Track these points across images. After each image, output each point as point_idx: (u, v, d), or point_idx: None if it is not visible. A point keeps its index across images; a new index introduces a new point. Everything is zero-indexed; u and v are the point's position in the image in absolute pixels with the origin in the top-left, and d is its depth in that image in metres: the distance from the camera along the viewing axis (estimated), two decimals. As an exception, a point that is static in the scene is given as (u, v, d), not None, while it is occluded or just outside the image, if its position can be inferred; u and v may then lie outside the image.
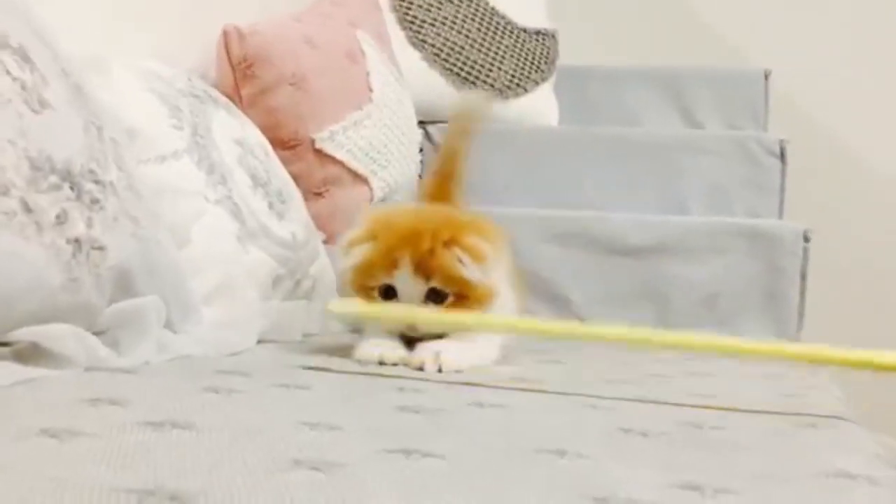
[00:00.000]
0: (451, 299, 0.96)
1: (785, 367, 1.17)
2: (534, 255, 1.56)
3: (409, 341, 0.97)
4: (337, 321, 1.17)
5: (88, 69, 1.01)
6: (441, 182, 1.22)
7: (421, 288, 0.96)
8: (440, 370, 0.91)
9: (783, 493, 0.50)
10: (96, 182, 0.84)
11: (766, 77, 2.09)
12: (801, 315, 1.49)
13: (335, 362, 0.91)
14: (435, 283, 0.96)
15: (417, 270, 0.96)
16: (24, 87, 0.81)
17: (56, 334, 0.75)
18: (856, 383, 1.37)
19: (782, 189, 1.78)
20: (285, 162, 1.38)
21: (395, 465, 0.50)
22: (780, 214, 1.76)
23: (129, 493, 0.41)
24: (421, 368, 0.91)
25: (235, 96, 1.40)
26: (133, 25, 1.35)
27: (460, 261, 0.96)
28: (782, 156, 1.79)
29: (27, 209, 0.75)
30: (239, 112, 1.32)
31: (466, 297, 0.97)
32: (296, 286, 1.23)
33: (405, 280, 0.96)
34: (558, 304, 1.54)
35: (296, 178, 1.40)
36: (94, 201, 0.83)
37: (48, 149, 0.80)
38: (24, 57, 0.84)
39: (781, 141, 1.78)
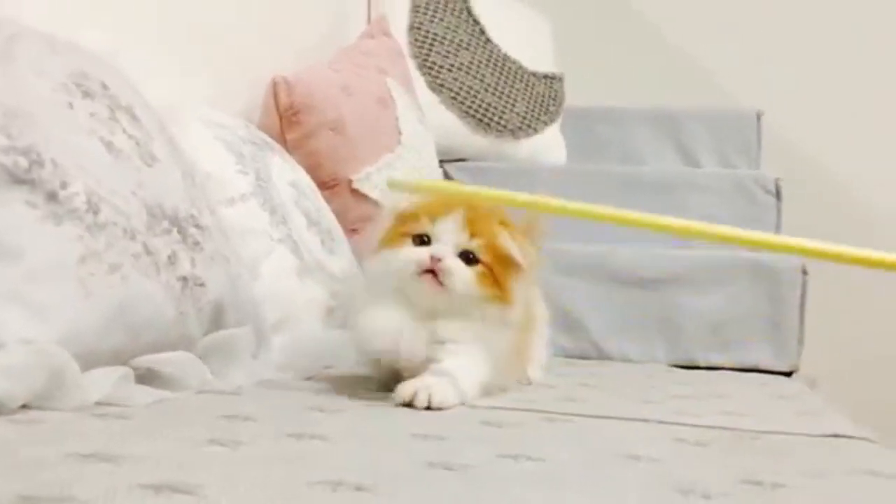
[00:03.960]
0: (480, 267, 0.90)
1: (793, 391, 1.29)
2: (552, 285, 1.66)
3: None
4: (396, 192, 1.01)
5: (164, 119, 1.12)
6: None
7: (461, 240, 0.90)
8: (429, 407, 0.84)
9: (831, 486, 0.61)
10: (196, 226, 0.95)
11: (759, 117, 2.24)
12: (800, 343, 1.61)
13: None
14: (476, 243, 0.90)
15: (466, 224, 0.90)
16: (137, 144, 0.92)
17: (176, 361, 0.85)
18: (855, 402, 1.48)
19: (778, 225, 1.91)
20: (325, 201, 1.50)
21: (511, 466, 0.61)
22: (777, 248, 1.89)
23: (322, 484, 0.52)
24: (408, 404, 0.84)
25: (281, 140, 1.51)
26: (184, 73, 1.45)
27: (509, 238, 0.91)
28: (777, 193, 1.92)
29: (148, 252, 0.86)
30: (288, 156, 1.43)
31: (496, 272, 0.91)
32: (345, 317, 1.34)
33: (449, 229, 0.90)
34: (576, 332, 1.66)
35: (335, 215, 1.51)
36: (196, 243, 0.94)
37: (159, 197, 0.91)
38: (133, 115, 0.95)
39: (777, 179, 1.92)
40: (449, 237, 0.91)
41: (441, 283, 0.89)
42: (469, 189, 0.95)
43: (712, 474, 0.62)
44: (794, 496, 0.58)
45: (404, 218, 0.94)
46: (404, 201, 0.94)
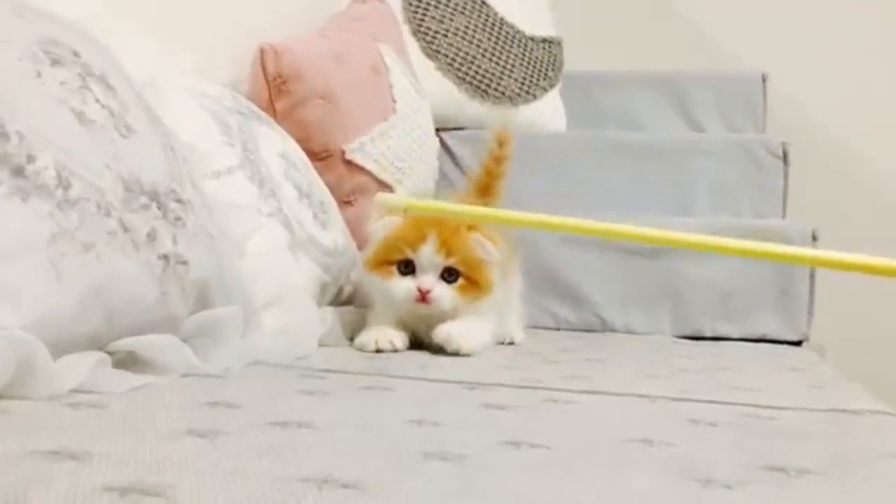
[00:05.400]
0: (461, 281, 1.11)
1: (804, 362, 1.25)
2: (555, 257, 1.62)
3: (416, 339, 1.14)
4: (386, 213, 1.18)
5: (145, 90, 1.06)
6: (486, 181, 1.34)
7: (440, 263, 1.10)
8: (458, 353, 1.07)
9: (858, 473, 0.57)
10: (178, 201, 0.90)
11: (764, 80, 2.17)
12: (810, 312, 1.56)
13: (398, 366, 0.97)
14: (453, 262, 1.10)
15: (441, 247, 1.09)
16: (112, 114, 0.87)
17: (158, 344, 0.80)
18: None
19: (785, 190, 1.86)
20: (318, 173, 1.44)
21: (513, 455, 0.56)
22: (784, 215, 1.84)
23: (306, 481, 0.47)
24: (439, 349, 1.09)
25: (269, 110, 1.45)
26: (165, 43, 1.40)
27: (480, 245, 1.11)
28: (785, 158, 1.86)
29: (125, 228, 0.81)
30: (277, 126, 1.38)
31: (475, 281, 1.11)
32: (339, 292, 1.29)
33: (427, 255, 1.10)
34: (580, 304, 1.61)
35: (328, 187, 1.45)
36: (178, 219, 0.89)
37: (136, 171, 0.86)
38: (107, 85, 0.89)
39: (784, 143, 1.86)
40: (430, 262, 1.10)
41: (430, 303, 1.10)
42: (454, 207, 1.03)
43: (731, 460, 0.57)
44: (821, 484, 0.53)
45: (389, 246, 1.12)
46: (385, 227, 1.13)
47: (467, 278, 1.11)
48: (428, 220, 1.10)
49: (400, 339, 1.11)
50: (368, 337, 1.11)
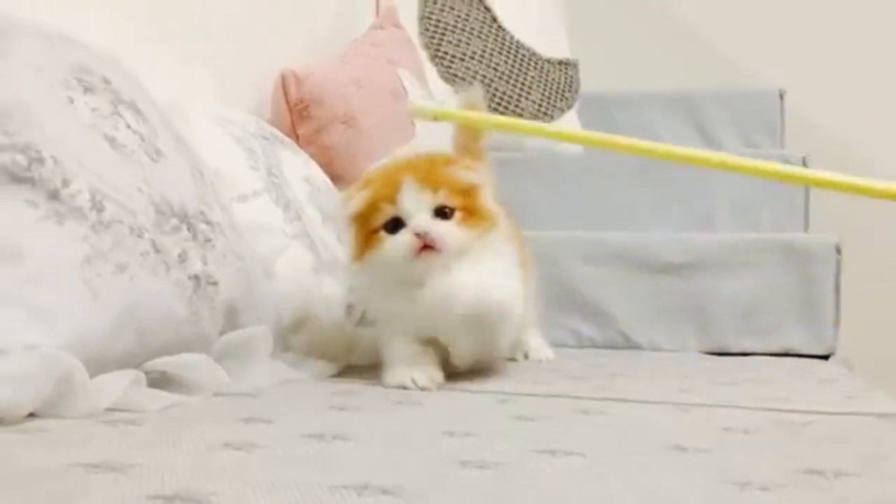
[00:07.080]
0: (458, 215, 0.92)
1: (834, 374, 1.24)
2: (576, 274, 1.62)
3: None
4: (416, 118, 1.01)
5: (170, 115, 1.08)
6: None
7: (429, 202, 0.91)
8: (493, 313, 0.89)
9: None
10: (207, 223, 0.92)
11: (782, 96, 2.18)
12: (836, 324, 1.55)
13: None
14: (443, 197, 0.91)
15: (424, 183, 0.91)
16: (142, 139, 0.88)
17: (191, 363, 0.81)
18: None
19: (807, 204, 1.86)
20: (341, 196, 1.46)
21: (548, 462, 0.57)
22: (807, 229, 1.84)
23: (346, 488, 0.48)
24: None
25: (292, 135, 1.47)
26: (188, 70, 1.42)
27: (463, 170, 0.94)
28: (805, 172, 1.86)
29: (156, 250, 0.82)
30: (300, 151, 1.39)
31: (473, 212, 0.93)
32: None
33: (411, 198, 0.91)
34: (602, 321, 1.61)
35: (350, 211, 1.47)
36: (207, 240, 0.90)
37: (167, 194, 0.87)
38: (136, 110, 0.91)
39: (804, 158, 1.86)
40: (417, 204, 0.91)
41: (437, 249, 0.90)
42: (492, 117, 0.92)
43: (767, 464, 0.57)
44: (859, 484, 0.53)
45: (366, 214, 0.94)
46: (352, 205, 0.95)
47: (464, 209, 0.92)
48: (399, 169, 0.94)
49: (437, 371, 0.93)
50: (402, 375, 0.91)
